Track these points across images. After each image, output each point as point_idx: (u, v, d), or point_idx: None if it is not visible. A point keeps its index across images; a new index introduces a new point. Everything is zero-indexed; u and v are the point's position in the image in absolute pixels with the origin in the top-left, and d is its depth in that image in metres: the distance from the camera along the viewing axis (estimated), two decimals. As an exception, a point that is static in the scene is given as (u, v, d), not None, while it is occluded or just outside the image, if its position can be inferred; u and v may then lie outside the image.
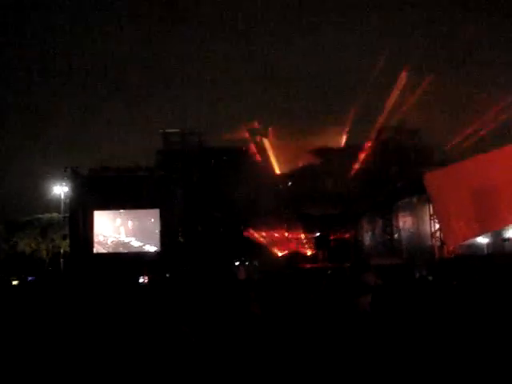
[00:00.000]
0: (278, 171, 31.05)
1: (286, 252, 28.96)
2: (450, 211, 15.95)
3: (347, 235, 27.61)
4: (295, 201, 29.66)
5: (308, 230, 28.80)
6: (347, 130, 30.28)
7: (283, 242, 29.58)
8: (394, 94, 28.15)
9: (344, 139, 30.61)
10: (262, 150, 31.24)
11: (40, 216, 36.83)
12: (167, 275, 20.26)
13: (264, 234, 30.09)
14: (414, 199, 21.34)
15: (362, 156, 29.74)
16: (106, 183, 29.06)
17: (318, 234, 27.31)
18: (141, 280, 18.33)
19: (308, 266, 23.65)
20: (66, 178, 31.21)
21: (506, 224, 17.22)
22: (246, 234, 30.14)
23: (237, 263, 27.28)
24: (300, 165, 30.27)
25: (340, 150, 30.77)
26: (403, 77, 27.63)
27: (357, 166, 29.75)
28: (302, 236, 29.00)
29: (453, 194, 15.97)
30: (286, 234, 29.19)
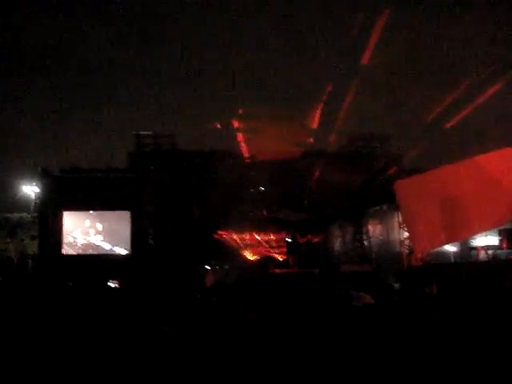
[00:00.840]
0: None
1: (258, 257, 29.04)
2: (418, 219, 16.11)
3: (317, 239, 27.81)
4: (266, 205, 29.79)
5: (279, 232, 28.92)
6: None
7: (254, 245, 29.64)
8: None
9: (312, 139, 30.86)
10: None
11: (9, 215, 36.31)
12: (136, 280, 20.14)
13: (235, 236, 30.12)
14: (384, 207, 21.61)
15: (332, 162, 29.96)
16: (76, 184, 28.83)
17: (289, 240, 27.42)
18: (111, 284, 18.18)
19: (278, 271, 23.76)
20: (36, 178, 30.89)
21: (472, 233, 17.50)
22: (217, 236, 30.14)
23: (207, 267, 27.27)
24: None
25: (310, 155, 30.99)
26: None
27: (327, 172, 29.97)
28: (273, 237, 29.06)
29: (421, 203, 16.14)
30: (258, 237, 29.25)
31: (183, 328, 4.32)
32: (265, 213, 29.21)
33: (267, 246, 29.12)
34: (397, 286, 11.55)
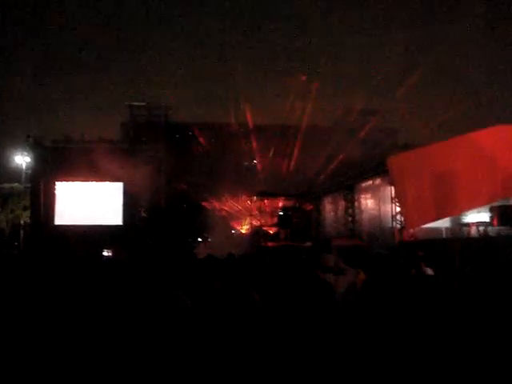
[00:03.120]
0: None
1: (249, 229, 29.11)
2: (411, 195, 16.18)
3: (309, 208, 27.86)
4: (259, 180, 29.83)
5: (273, 199, 28.93)
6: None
7: (245, 215, 29.69)
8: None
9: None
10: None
11: (0, 186, 36.13)
12: (129, 250, 20.16)
13: (228, 204, 30.20)
14: (377, 181, 21.57)
15: (327, 137, 29.99)
16: (69, 154, 28.62)
17: (281, 213, 27.45)
18: (105, 253, 18.20)
19: (270, 244, 23.82)
20: (27, 148, 30.70)
21: (463, 210, 17.59)
22: (209, 206, 30.22)
23: (199, 239, 27.34)
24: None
25: (305, 130, 31.02)
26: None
27: (321, 146, 30.01)
28: (267, 203, 29.05)
29: (414, 178, 16.19)
30: (249, 202, 29.26)
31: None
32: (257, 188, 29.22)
33: (258, 213, 29.08)
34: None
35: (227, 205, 30.52)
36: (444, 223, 18.73)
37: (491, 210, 17.49)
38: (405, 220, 17.39)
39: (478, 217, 18.40)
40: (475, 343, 3.69)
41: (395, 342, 3.71)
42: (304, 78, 31.31)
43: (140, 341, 3.57)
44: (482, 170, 16.51)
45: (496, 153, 16.49)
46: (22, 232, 31.29)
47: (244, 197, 29.72)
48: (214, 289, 5.31)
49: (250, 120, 31.95)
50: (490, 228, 17.71)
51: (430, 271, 8.14)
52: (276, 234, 27.18)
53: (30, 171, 31.05)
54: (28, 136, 30.26)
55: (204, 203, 30.55)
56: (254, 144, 31.60)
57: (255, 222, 29.17)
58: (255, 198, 28.58)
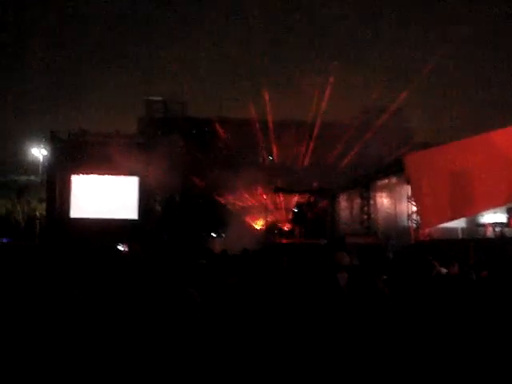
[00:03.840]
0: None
1: (264, 226, 29.08)
2: (427, 194, 16.14)
3: (325, 204, 27.79)
4: (275, 176, 29.78)
5: (289, 195, 28.92)
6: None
7: (260, 211, 29.65)
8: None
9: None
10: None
11: (16, 178, 36.41)
12: (145, 245, 20.14)
13: (242, 200, 30.19)
14: (393, 180, 21.45)
15: (344, 134, 29.88)
16: (85, 148, 28.77)
17: (295, 210, 27.42)
18: (120, 247, 18.26)
19: (285, 241, 23.79)
20: (44, 141, 30.91)
21: (479, 210, 17.46)
22: (224, 201, 30.25)
23: (214, 235, 27.37)
24: None
25: (321, 127, 30.91)
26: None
27: (338, 143, 29.93)
28: (282, 199, 29.00)
29: (430, 178, 16.13)
30: (264, 198, 29.21)
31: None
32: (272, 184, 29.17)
33: (274, 209, 29.03)
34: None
35: (243, 200, 30.53)
36: (460, 223, 18.59)
37: (508, 210, 17.34)
38: (421, 219, 17.33)
39: (494, 217, 18.23)
40: (491, 344, 3.65)
41: (415, 343, 3.69)
42: (322, 75, 31.20)
43: (149, 336, 3.58)
44: (499, 171, 16.38)
45: (512, 153, 16.28)
46: (37, 224, 31.51)
47: (260, 192, 29.69)
48: (228, 285, 5.30)
49: (267, 115, 31.92)
50: (506, 229, 17.55)
51: (444, 271, 8.08)
52: (291, 231, 27.13)
53: (46, 164, 31.26)
54: (45, 129, 30.51)
55: (220, 198, 30.57)
56: (271, 139, 31.55)
57: (270, 218, 29.14)
58: (271, 193, 28.55)
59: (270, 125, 31.59)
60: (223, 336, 3.75)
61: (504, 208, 17.24)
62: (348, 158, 29.93)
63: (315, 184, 29.71)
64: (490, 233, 18.00)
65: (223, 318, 4.19)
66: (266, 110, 31.96)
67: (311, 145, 31.11)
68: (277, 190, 28.34)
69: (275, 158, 31.89)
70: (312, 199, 28.42)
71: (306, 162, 31.19)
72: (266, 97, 31.91)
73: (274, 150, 31.80)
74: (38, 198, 31.99)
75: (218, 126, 32.02)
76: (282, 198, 29.24)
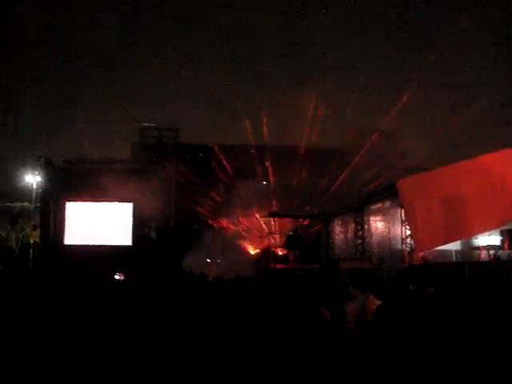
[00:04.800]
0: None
1: (259, 250, 29.01)
2: (420, 218, 16.21)
3: (319, 229, 27.75)
4: (270, 200, 29.81)
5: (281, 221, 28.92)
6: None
7: (255, 236, 29.57)
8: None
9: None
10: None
11: (10, 204, 36.31)
12: (141, 273, 20.02)
13: (236, 225, 30.15)
14: (387, 204, 21.50)
15: (337, 158, 30.01)
16: (79, 175, 28.82)
17: (290, 234, 27.36)
18: (117, 277, 18.18)
19: (279, 266, 23.71)
20: (39, 168, 30.93)
21: (473, 234, 17.50)
22: (218, 226, 30.20)
23: (208, 260, 27.25)
24: None
25: (315, 151, 31.04)
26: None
27: (331, 167, 30.02)
28: (276, 223, 28.93)
29: (424, 201, 16.22)
30: (259, 223, 29.11)
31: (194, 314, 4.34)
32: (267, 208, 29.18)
33: (268, 234, 28.93)
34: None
35: (237, 225, 30.50)
36: (454, 246, 18.60)
37: (502, 233, 17.38)
38: (414, 243, 17.37)
39: (488, 240, 18.25)
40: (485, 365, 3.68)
41: (411, 368, 3.71)
42: (314, 99, 31.42)
43: (144, 358, 3.60)
44: (492, 194, 16.47)
45: (506, 176, 16.45)
46: (31, 251, 31.39)
47: (254, 217, 29.68)
48: (222, 311, 5.31)
49: (261, 141, 32.11)
50: (500, 251, 17.56)
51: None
52: (285, 256, 27.03)
53: (40, 191, 31.25)
54: (39, 156, 30.52)
55: (214, 224, 30.56)
56: (265, 165, 31.67)
57: (264, 243, 29.06)
58: (265, 218, 28.53)
59: (263, 150, 31.75)
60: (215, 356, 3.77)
61: (498, 230, 17.29)
62: (341, 181, 30.02)
63: (309, 208, 29.76)
64: (484, 256, 18.00)
65: (215, 339, 4.22)
66: (260, 136, 32.17)
67: (305, 169, 31.21)
68: (271, 215, 28.33)
69: (270, 182, 31.96)
70: (307, 224, 28.42)
71: (301, 186, 31.25)
72: (260, 122, 32.13)
73: (269, 174, 31.89)
74: (31, 224, 31.90)
75: (211, 152, 32.14)
76: (276, 223, 29.23)
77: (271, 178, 31.68)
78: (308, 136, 31.77)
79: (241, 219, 30.23)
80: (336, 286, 6.88)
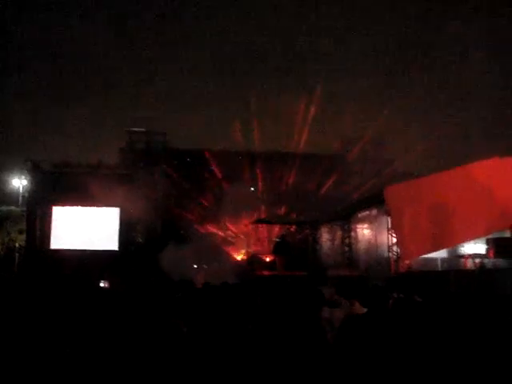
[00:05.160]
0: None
1: (245, 257, 28.98)
2: (407, 226, 16.25)
3: (307, 236, 27.79)
4: (258, 206, 29.84)
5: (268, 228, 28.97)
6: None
7: (242, 242, 29.55)
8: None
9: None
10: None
11: (-3, 208, 36.03)
12: (126, 281, 19.93)
13: (224, 231, 30.14)
14: (374, 211, 21.59)
15: (326, 165, 30.15)
16: (66, 179, 28.64)
17: (277, 240, 27.38)
18: (102, 284, 18.13)
19: (266, 273, 23.71)
20: (25, 171, 30.77)
21: (459, 242, 17.61)
22: (205, 231, 30.15)
23: (195, 266, 27.17)
24: None
25: (305, 158, 31.14)
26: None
27: (319, 175, 30.15)
28: (263, 229, 28.95)
29: (410, 209, 16.27)
30: (246, 229, 29.09)
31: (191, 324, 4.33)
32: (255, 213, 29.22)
33: (255, 240, 28.94)
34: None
35: (225, 231, 30.49)
36: (440, 254, 18.69)
37: (487, 241, 17.50)
38: (401, 251, 17.43)
39: (474, 248, 18.37)
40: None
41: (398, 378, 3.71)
42: (304, 106, 31.53)
43: (136, 365, 3.57)
44: (479, 202, 16.57)
45: (492, 185, 16.56)
46: (16, 255, 31.14)
47: (242, 223, 29.67)
48: (211, 318, 5.29)
49: (250, 147, 32.17)
50: (485, 260, 17.69)
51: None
52: (272, 262, 27.03)
53: (27, 194, 31.07)
54: (26, 160, 30.35)
55: (202, 229, 30.50)
56: (254, 171, 31.68)
57: (252, 249, 29.06)
58: (253, 224, 28.54)
59: (252, 156, 31.79)
60: (208, 364, 3.76)
61: (483, 239, 17.40)
62: (328, 188, 30.14)
63: (296, 215, 29.84)
64: (469, 264, 18.13)
65: (208, 346, 4.19)
66: (249, 141, 32.22)
67: (294, 177, 31.27)
68: (258, 221, 28.35)
69: (258, 188, 31.97)
70: (295, 230, 28.46)
71: (289, 193, 31.30)
72: (248, 128, 32.20)
73: (257, 180, 31.91)
74: (17, 228, 31.65)
75: (200, 157, 32.11)
76: (264, 229, 29.24)
77: (260, 184, 31.69)
78: (297, 142, 31.86)
79: (229, 225, 30.22)
80: (312, 293, 6.86)
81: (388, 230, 18.22)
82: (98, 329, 5.00)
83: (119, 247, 28.84)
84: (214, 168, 31.48)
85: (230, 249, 29.90)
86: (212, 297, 8.16)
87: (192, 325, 4.34)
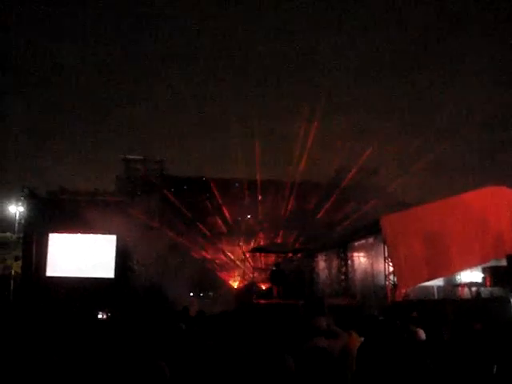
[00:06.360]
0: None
1: (242, 285, 28.94)
2: (403, 255, 16.35)
3: (301, 262, 27.78)
4: (254, 234, 29.92)
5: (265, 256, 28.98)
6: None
7: (239, 270, 29.55)
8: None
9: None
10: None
11: (-8, 235, 35.92)
12: (123, 311, 19.85)
13: (221, 259, 30.15)
14: (370, 240, 21.62)
15: (321, 194, 30.29)
16: (63, 206, 28.65)
17: (274, 268, 27.34)
18: (100, 316, 18.05)
19: (263, 301, 23.62)
20: (22, 198, 30.77)
21: (455, 271, 17.66)
22: (202, 259, 30.15)
23: (191, 294, 27.13)
24: None
25: (299, 186, 31.31)
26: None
27: (315, 203, 30.30)
28: (260, 257, 28.93)
29: (406, 238, 16.37)
30: (243, 257, 29.09)
31: (174, 361, 4.35)
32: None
33: (252, 268, 28.89)
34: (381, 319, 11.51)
35: (221, 258, 30.50)
36: (436, 282, 18.68)
37: (484, 270, 17.52)
38: (397, 280, 17.46)
39: (470, 276, 18.36)
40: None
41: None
42: (300, 133, 31.79)
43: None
44: (474, 231, 16.69)
45: (487, 214, 16.71)
46: (12, 282, 30.98)
47: (238, 251, 29.69)
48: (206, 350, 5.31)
49: (246, 175, 32.33)
50: (482, 289, 17.68)
51: (422, 333, 8.11)
52: (269, 290, 26.94)
53: (23, 221, 31.02)
54: (23, 186, 30.40)
55: (198, 256, 30.50)
56: (250, 198, 31.80)
57: (248, 277, 29.01)
58: (249, 253, 28.53)
59: (248, 184, 31.93)
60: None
61: (479, 267, 17.42)
62: (325, 217, 30.24)
63: (293, 243, 29.86)
64: (465, 292, 18.11)
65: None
66: (247, 169, 32.42)
67: (289, 204, 31.41)
68: (255, 250, 28.35)
69: (256, 215, 32.05)
70: (291, 259, 28.42)
71: (285, 221, 31.39)
72: (247, 156, 32.41)
73: (255, 208, 32.01)
74: (13, 255, 31.53)
75: (197, 185, 32.27)
76: (261, 257, 29.24)
77: (258, 211, 31.79)
78: (294, 170, 32.04)
79: (226, 252, 30.25)
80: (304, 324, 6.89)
81: (385, 259, 18.24)
82: (92, 359, 5.01)
83: (115, 275, 28.73)
84: (212, 195, 31.61)
85: (227, 277, 29.88)
86: (205, 325, 8.18)
87: (176, 366, 4.35)
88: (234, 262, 30.56)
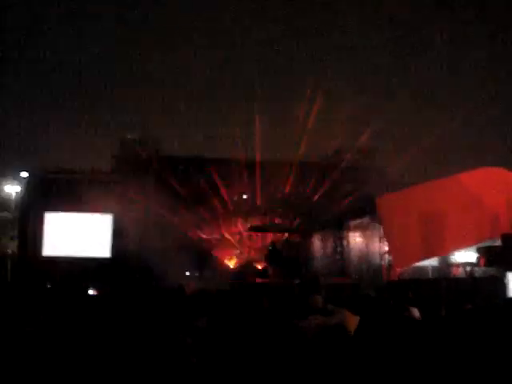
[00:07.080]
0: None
1: (238, 265, 29.06)
2: (398, 235, 16.40)
3: (299, 244, 27.87)
4: (251, 214, 29.94)
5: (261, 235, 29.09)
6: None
7: (235, 249, 29.63)
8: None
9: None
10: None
11: (-12, 214, 35.90)
12: (117, 288, 19.89)
13: (216, 238, 30.23)
14: (366, 220, 21.71)
15: (318, 173, 30.30)
16: (59, 185, 28.60)
17: (270, 248, 27.45)
18: (90, 292, 18.13)
19: (259, 280, 23.76)
20: (18, 177, 30.75)
21: (450, 250, 17.74)
22: (198, 239, 30.22)
23: (187, 273, 27.22)
24: None
25: (298, 166, 31.29)
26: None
27: (311, 183, 30.32)
28: (256, 237, 29.02)
29: (401, 219, 16.42)
30: (239, 237, 29.19)
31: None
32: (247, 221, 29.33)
33: (248, 248, 29.01)
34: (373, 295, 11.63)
35: (217, 238, 30.56)
36: (431, 262, 18.78)
37: (478, 250, 17.61)
38: (393, 259, 17.55)
39: (465, 257, 18.45)
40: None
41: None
42: (298, 114, 31.67)
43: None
44: (469, 211, 16.75)
45: (483, 194, 16.76)
46: (8, 261, 31.03)
47: (235, 231, 29.78)
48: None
49: (243, 155, 32.22)
50: (476, 268, 17.79)
51: (417, 312, 8.20)
52: (265, 270, 27.07)
53: (19, 201, 31.01)
54: (19, 166, 30.38)
55: (194, 236, 30.56)
56: (248, 178, 31.74)
57: (244, 257, 29.13)
58: (246, 232, 28.63)
59: (246, 163, 31.86)
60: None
61: (474, 247, 17.50)
62: (321, 196, 30.27)
63: (289, 223, 29.93)
64: (460, 273, 18.22)
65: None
66: (244, 149, 32.29)
67: (286, 184, 31.40)
68: (251, 229, 28.42)
69: (253, 195, 32.05)
70: (287, 238, 28.53)
71: (283, 200, 31.39)
72: (243, 135, 32.29)
73: (252, 188, 31.98)
74: (9, 235, 31.56)
75: (194, 165, 32.20)
76: (256, 237, 29.32)
77: (256, 191, 31.77)
78: (293, 150, 31.98)
79: (222, 232, 30.31)
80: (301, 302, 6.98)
81: (380, 239, 18.34)
82: (88, 337, 5.06)
83: (111, 254, 28.78)
84: (208, 175, 31.55)
85: (222, 256, 29.97)
86: (205, 303, 8.24)
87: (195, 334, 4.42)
88: (230, 241, 30.62)
